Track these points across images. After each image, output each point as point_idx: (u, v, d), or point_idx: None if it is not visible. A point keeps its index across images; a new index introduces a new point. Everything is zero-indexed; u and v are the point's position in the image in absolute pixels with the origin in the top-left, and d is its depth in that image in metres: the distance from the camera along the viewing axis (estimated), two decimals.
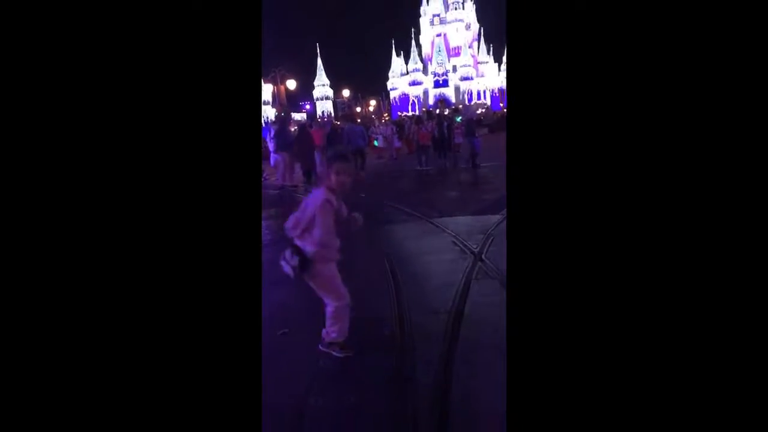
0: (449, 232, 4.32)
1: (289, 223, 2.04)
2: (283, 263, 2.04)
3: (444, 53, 67.79)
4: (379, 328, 2.41)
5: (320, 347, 2.18)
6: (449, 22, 68.69)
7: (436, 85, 67.70)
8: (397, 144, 14.33)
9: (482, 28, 69.74)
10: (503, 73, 70.08)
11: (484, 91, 67.28)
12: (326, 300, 2.10)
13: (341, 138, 9.63)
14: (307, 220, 1.98)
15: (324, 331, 2.16)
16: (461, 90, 66.60)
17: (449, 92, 66.18)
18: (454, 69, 67.50)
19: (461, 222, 4.73)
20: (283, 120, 10.14)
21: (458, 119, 11.82)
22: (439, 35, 68.37)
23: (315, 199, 1.98)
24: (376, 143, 14.38)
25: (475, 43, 69.38)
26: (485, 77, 68.11)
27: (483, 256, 3.48)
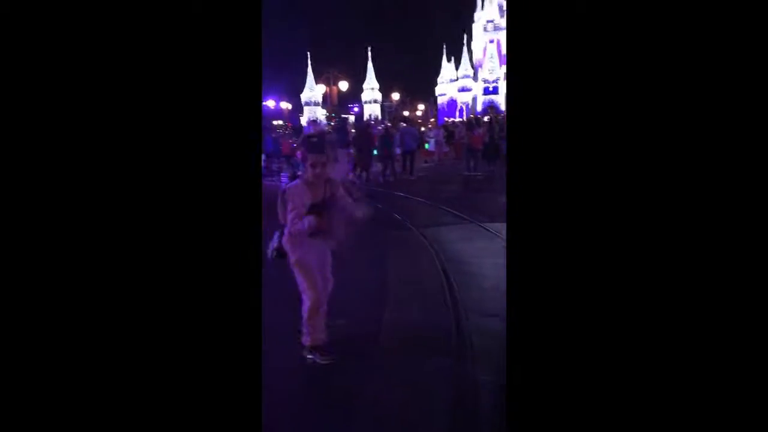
0: (501, 236, 4.23)
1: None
2: (268, 244, 2.08)
3: (496, 60, 66.78)
4: (437, 332, 2.38)
5: (304, 353, 2.12)
6: (503, 29, 67.58)
7: (486, 92, 66.78)
8: (446, 149, 14.25)
9: None
10: None
11: None
12: (302, 295, 2.08)
13: (394, 139, 9.76)
14: (282, 207, 2.03)
15: (300, 328, 2.13)
16: None
17: (499, 99, 65.10)
18: (506, 76, 66.28)
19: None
20: (344, 120, 10.48)
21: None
22: (492, 41, 67.45)
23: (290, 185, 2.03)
24: (427, 146, 14.37)
25: None
26: None
27: None
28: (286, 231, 2.02)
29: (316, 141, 1.98)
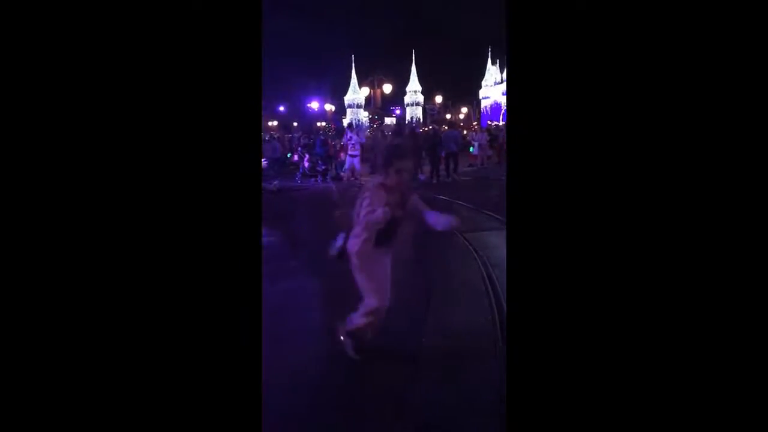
0: None
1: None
2: (332, 243, 2.06)
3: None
4: (482, 337, 2.37)
5: (340, 332, 2.13)
6: None
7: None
8: (489, 152, 14.03)
9: None
10: None
11: None
12: (365, 295, 2.05)
13: (438, 141, 9.81)
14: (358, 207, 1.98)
15: (350, 316, 2.10)
16: None
17: None
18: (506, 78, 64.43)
19: None
20: (401, 124, 10.67)
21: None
22: None
23: (369, 184, 2.01)
24: (471, 150, 14.21)
25: None
26: None
27: None
28: (356, 232, 1.98)
29: (401, 146, 2.02)
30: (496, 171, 11.63)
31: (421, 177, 9.64)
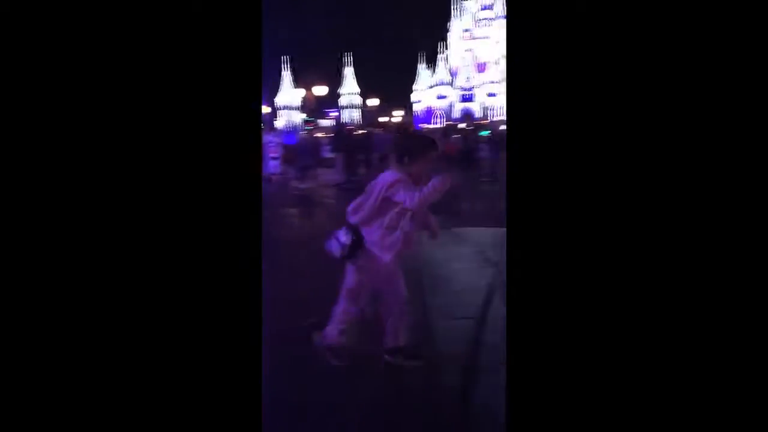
0: (471, 241, 4.41)
1: (351, 206, 1.92)
2: (331, 241, 1.89)
3: (472, 68, 67.92)
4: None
5: (386, 357, 2.03)
6: (478, 38, 68.85)
7: (462, 99, 67.74)
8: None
9: None
10: None
11: None
12: (390, 298, 1.94)
13: (369, 143, 10.05)
14: (372, 204, 1.84)
15: (324, 330, 2.01)
16: (486, 106, 66.51)
17: (475, 107, 66.14)
18: (481, 84, 67.53)
19: (483, 233, 4.80)
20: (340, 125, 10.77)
21: (484, 134, 11.94)
22: (467, 50, 68.59)
23: (384, 179, 1.84)
24: None
25: (502, 60, 69.26)
26: None
27: (500, 267, 3.57)
28: (375, 234, 1.82)
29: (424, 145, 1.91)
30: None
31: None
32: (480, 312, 2.69)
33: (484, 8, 68.32)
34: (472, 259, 3.89)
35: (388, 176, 1.86)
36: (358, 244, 1.85)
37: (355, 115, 65.83)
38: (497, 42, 68.92)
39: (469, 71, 67.76)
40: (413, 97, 71.16)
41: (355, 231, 1.87)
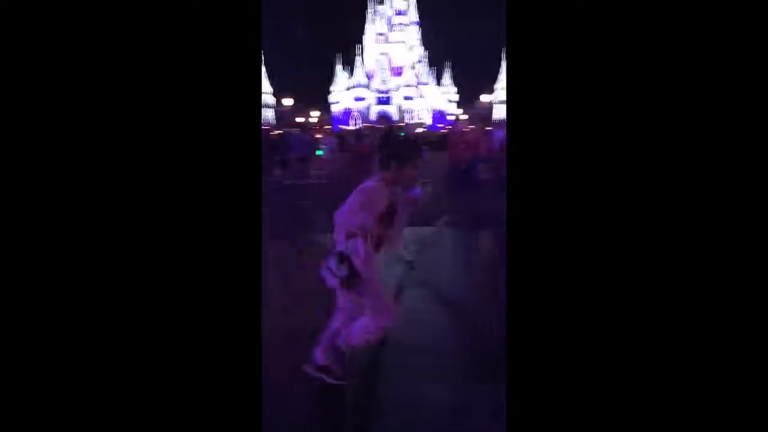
0: None
1: (340, 219, 1.79)
2: (325, 274, 1.76)
3: (387, 71, 69.43)
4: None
5: (308, 370, 1.93)
6: (392, 42, 70.62)
7: (379, 101, 68.97)
8: None
9: (427, 52, 72.42)
10: (444, 95, 73.00)
11: (427, 111, 69.62)
12: (372, 312, 1.83)
13: (286, 144, 9.77)
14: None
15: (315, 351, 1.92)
16: (403, 108, 68.45)
17: (392, 110, 67.68)
18: (397, 87, 69.32)
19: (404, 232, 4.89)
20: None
21: (400, 135, 12.25)
22: (382, 54, 69.98)
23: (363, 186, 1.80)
24: (318, 152, 14.39)
25: (418, 65, 71.75)
26: (426, 98, 70.54)
27: (413, 265, 3.66)
28: (358, 248, 1.70)
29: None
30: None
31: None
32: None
33: (398, 13, 70.33)
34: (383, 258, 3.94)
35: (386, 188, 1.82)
36: (354, 273, 1.75)
37: (269, 114, 63.97)
38: (411, 48, 71.25)
39: (385, 74, 69.16)
40: (331, 98, 70.96)
41: (347, 260, 1.75)
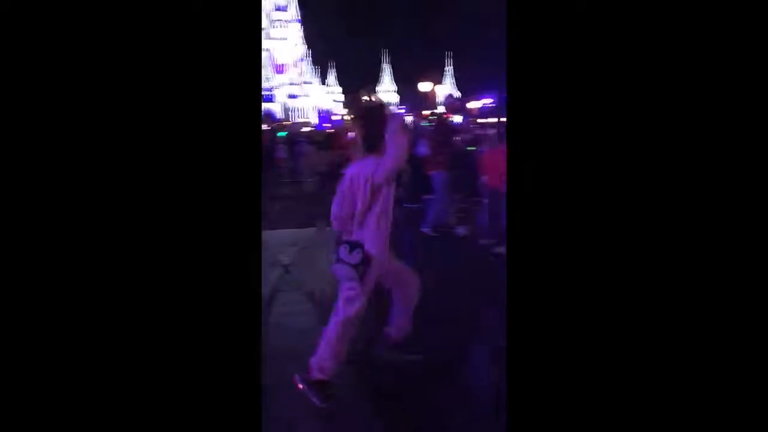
0: (267, 244, 4.30)
1: (335, 213, 1.77)
2: (337, 265, 1.73)
3: (270, 69, 67.27)
4: None
5: (300, 382, 1.81)
6: (273, 38, 68.65)
7: (264, 99, 66.53)
8: None
9: (310, 50, 71.71)
10: (329, 95, 73.13)
11: (311, 109, 69.00)
12: (400, 290, 1.88)
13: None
14: (365, 201, 1.71)
15: (389, 330, 1.97)
16: (287, 107, 66.96)
17: (275, 108, 65.76)
18: (280, 85, 67.58)
19: (276, 235, 4.75)
20: None
21: (281, 134, 11.97)
22: (264, 50, 67.59)
23: (362, 170, 1.72)
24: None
25: (301, 63, 70.79)
26: (310, 97, 69.97)
27: (288, 268, 3.58)
28: (365, 235, 1.67)
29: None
30: None
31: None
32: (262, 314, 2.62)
33: (278, 9, 68.53)
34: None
35: (364, 167, 1.72)
36: (367, 258, 1.71)
37: None
38: (295, 44, 70.00)
39: (267, 72, 66.87)
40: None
41: (359, 246, 1.71)
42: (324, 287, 3.20)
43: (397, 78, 71.57)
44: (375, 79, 72.63)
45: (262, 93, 66.33)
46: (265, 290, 3.03)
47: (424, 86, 25.86)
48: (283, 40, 68.60)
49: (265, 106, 65.45)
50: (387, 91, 71.40)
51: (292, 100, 67.60)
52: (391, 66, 73.56)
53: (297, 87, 68.15)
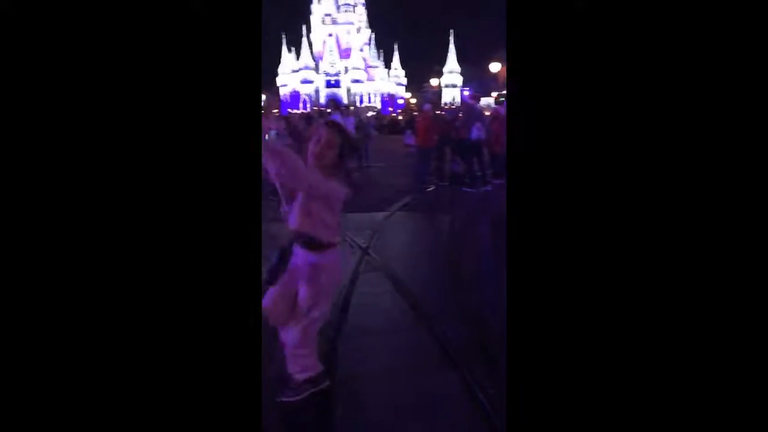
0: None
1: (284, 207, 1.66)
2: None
3: (336, 53, 68.11)
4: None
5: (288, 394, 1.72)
6: (340, 24, 69.22)
7: (328, 84, 67.72)
8: (289, 140, 14.13)
9: (374, 34, 71.62)
10: (392, 79, 72.77)
11: (375, 94, 69.20)
12: (310, 310, 1.63)
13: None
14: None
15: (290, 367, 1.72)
16: (352, 92, 67.62)
17: (341, 93, 66.70)
18: (346, 70, 68.26)
19: (350, 219, 4.87)
20: None
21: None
22: (330, 35, 68.47)
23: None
24: (267, 137, 13.99)
25: (366, 47, 70.94)
26: (375, 81, 70.07)
27: (369, 251, 3.66)
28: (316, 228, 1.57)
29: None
30: None
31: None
32: (345, 295, 2.72)
33: None
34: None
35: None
36: (283, 264, 1.63)
37: None
38: (359, 30, 70.19)
39: (333, 57, 67.82)
40: (278, 80, 68.79)
41: (282, 251, 1.64)
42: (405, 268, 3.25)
43: (465, 58, 69.23)
44: (440, 60, 71.01)
45: (329, 78, 67.52)
46: (347, 271, 3.14)
47: (494, 66, 24.84)
48: (348, 25, 69.03)
49: (331, 91, 66.63)
50: (452, 71, 69.67)
51: (356, 84, 68.15)
52: (455, 47, 71.44)
53: (361, 71, 68.51)
